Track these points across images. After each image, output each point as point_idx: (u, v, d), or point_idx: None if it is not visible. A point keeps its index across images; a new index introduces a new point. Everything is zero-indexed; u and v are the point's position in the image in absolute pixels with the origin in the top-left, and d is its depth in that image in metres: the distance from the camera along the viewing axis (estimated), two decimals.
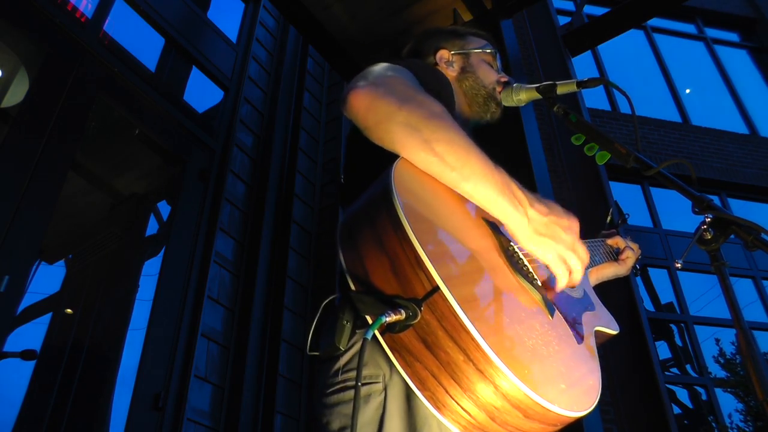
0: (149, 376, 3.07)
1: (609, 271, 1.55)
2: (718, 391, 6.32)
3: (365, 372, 0.96)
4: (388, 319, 0.77)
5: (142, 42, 3.94)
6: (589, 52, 8.47)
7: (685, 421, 6.35)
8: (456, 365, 0.77)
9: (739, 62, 9.88)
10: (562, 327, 0.95)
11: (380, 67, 1.07)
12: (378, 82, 1.00)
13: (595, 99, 8.09)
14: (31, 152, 2.89)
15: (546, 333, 0.88)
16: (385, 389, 0.93)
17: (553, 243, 0.95)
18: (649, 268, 6.99)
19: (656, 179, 1.05)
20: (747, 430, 6.14)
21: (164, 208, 4.22)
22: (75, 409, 3.36)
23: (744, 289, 7.10)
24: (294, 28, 4.58)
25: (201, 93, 4.36)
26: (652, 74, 9.18)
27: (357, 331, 0.98)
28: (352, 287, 0.86)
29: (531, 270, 0.98)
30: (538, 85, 1.26)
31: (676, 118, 8.55)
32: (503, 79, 1.37)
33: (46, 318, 3.91)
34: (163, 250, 3.60)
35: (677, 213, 7.31)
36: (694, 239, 0.96)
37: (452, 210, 0.94)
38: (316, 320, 0.97)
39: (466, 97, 1.36)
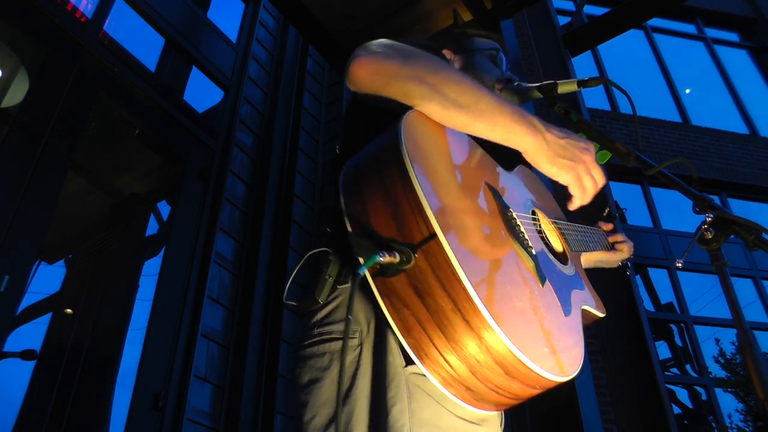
0: (149, 376, 3.07)
1: (600, 256, 1.56)
2: (718, 391, 6.32)
3: (342, 327, 0.96)
4: (382, 260, 0.77)
5: (142, 42, 3.94)
6: (589, 52, 8.46)
7: (685, 421, 6.35)
8: (444, 314, 0.78)
9: (739, 62, 9.88)
10: (551, 297, 0.96)
11: (378, 40, 1.10)
12: (377, 49, 1.03)
13: (595, 99, 8.09)
14: (31, 152, 2.89)
15: (535, 299, 0.89)
16: (360, 345, 0.93)
17: (573, 164, 0.99)
18: (649, 268, 6.99)
19: (657, 179, 1.05)
20: (747, 430, 6.15)
21: (164, 208, 4.22)
22: (75, 409, 3.36)
23: (744, 289, 7.10)
24: (294, 28, 4.58)
25: (201, 93, 4.36)
26: (652, 74, 9.18)
27: (338, 286, 0.99)
28: (350, 230, 0.86)
29: (527, 237, 0.99)
30: (538, 84, 1.26)
31: (676, 118, 8.55)
32: (505, 78, 1.37)
33: (46, 318, 3.91)
34: (163, 250, 3.60)
35: (677, 213, 7.31)
36: (695, 239, 0.96)
37: (459, 169, 0.95)
38: (296, 270, 0.97)
39: None
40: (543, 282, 0.94)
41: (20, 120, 2.95)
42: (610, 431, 4.55)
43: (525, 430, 2.42)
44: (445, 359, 0.80)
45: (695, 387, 6.50)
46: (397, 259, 0.79)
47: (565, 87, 1.21)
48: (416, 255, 0.79)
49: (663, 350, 6.69)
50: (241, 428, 3.25)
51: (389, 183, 0.85)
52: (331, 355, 0.95)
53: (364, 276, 0.84)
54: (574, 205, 1.05)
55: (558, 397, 2.27)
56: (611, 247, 1.58)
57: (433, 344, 0.80)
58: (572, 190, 1.02)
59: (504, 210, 0.98)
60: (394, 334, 0.84)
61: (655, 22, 9.59)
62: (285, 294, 0.99)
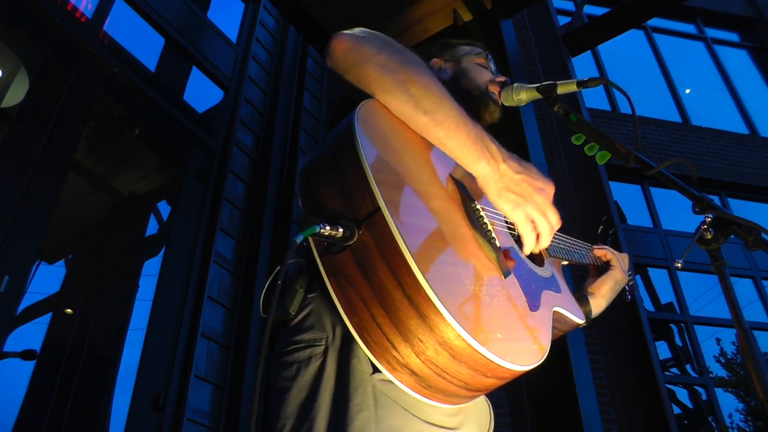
0: (149, 376, 3.07)
1: (607, 285, 1.41)
2: (718, 391, 6.32)
3: (309, 335, 0.95)
4: (322, 231, 0.76)
5: (142, 42, 3.94)
6: (589, 52, 8.47)
7: (685, 421, 6.35)
8: (387, 291, 0.76)
9: (739, 62, 9.88)
10: (515, 290, 0.93)
11: (364, 28, 1.10)
12: (359, 32, 1.03)
13: (595, 99, 8.09)
14: (31, 152, 2.89)
15: (493, 287, 0.86)
16: (325, 352, 0.92)
17: (522, 201, 0.94)
18: (649, 268, 6.99)
19: (657, 179, 1.05)
20: (747, 430, 6.14)
21: (164, 208, 4.22)
22: (75, 409, 3.36)
23: (744, 289, 7.10)
24: (294, 28, 4.58)
25: (201, 93, 4.36)
26: (652, 74, 9.18)
27: (309, 296, 0.98)
28: (302, 208, 0.87)
29: (491, 229, 0.96)
30: (538, 84, 1.26)
31: (676, 118, 8.55)
32: (498, 79, 1.36)
33: (46, 318, 3.91)
34: (163, 250, 3.60)
35: (677, 213, 7.31)
36: (695, 239, 0.95)
37: (417, 158, 0.94)
38: (268, 283, 0.96)
39: (461, 100, 1.36)
40: (506, 275, 0.92)
41: (20, 120, 2.95)
42: (610, 431, 4.55)
43: (525, 431, 2.43)
44: (388, 340, 0.77)
45: (695, 387, 6.50)
46: (340, 233, 0.77)
47: (565, 87, 1.21)
48: (360, 230, 0.78)
49: (663, 350, 6.69)
50: (241, 428, 3.25)
51: (339, 160, 0.85)
52: (298, 365, 0.94)
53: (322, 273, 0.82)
54: (525, 250, 0.98)
55: (558, 397, 2.27)
56: (597, 262, 1.48)
57: (377, 324, 0.77)
58: (519, 229, 0.97)
59: (468, 201, 0.96)
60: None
61: (655, 22, 9.59)
62: (261, 307, 0.98)
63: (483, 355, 0.75)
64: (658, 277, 6.96)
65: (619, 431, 4.48)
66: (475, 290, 0.82)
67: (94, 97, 3.37)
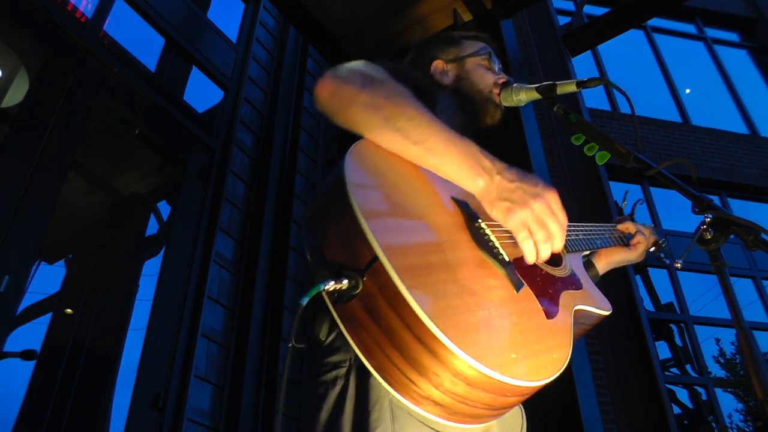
0: (149, 376, 3.07)
1: (618, 257, 1.52)
2: (718, 391, 6.32)
3: (336, 358, 0.98)
4: (327, 287, 0.79)
5: (142, 42, 3.94)
6: (589, 52, 8.46)
7: (685, 421, 6.35)
8: (397, 333, 0.79)
9: (739, 62, 9.88)
10: (529, 302, 0.95)
11: (350, 63, 1.10)
12: (342, 72, 1.03)
13: (595, 99, 8.09)
14: (31, 152, 2.89)
15: (504, 305, 0.89)
16: (348, 373, 0.95)
17: (514, 207, 0.92)
18: (649, 268, 6.99)
19: (656, 179, 1.05)
20: (747, 430, 6.14)
21: (164, 208, 4.22)
22: (75, 409, 3.36)
23: (744, 289, 7.10)
24: (294, 28, 4.58)
25: (201, 93, 4.36)
26: (652, 74, 9.18)
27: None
28: (308, 259, 0.90)
29: (498, 246, 0.97)
30: (538, 85, 1.26)
31: (676, 118, 8.55)
32: (501, 80, 1.36)
33: (46, 318, 3.90)
34: (163, 250, 3.60)
35: (677, 213, 7.31)
36: (694, 239, 0.96)
37: (416, 189, 0.95)
38: (298, 315, 0.98)
39: (463, 103, 1.35)
40: (518, 288, 0.93)
41: (20, 120, 2.95)
42: (610, 431, 4.55)
43: None
44: (407, 378, 0.80)
45: (695, 387, 6.50)
46: (345, 285, 0.80)
47: (564, 88, 1.21)
48: (364, 279, 0.80)
49: (663, 350, 6.69)
50: (241, 428, 3.25)
51: (335, 211, 0.87)
52: (326, 385, 0.97)
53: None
54: (526, 259, 0.95)
55: (558, 397, 2.27)
56: (627, 241, 1.55)
57: (394, 364, 0.80)
58: (517, 237, 0.94)
59: (471, 221, 0.97)
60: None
61: (655, 22, 9.59)
62: (292, 339, 0.99)
63: (497, 380, 0.79)
64: (658, 277, 6.96)
65: (619, 431, 4.48)
66: (485, 315, 0.84)
67: (94, 97, 3.37)
